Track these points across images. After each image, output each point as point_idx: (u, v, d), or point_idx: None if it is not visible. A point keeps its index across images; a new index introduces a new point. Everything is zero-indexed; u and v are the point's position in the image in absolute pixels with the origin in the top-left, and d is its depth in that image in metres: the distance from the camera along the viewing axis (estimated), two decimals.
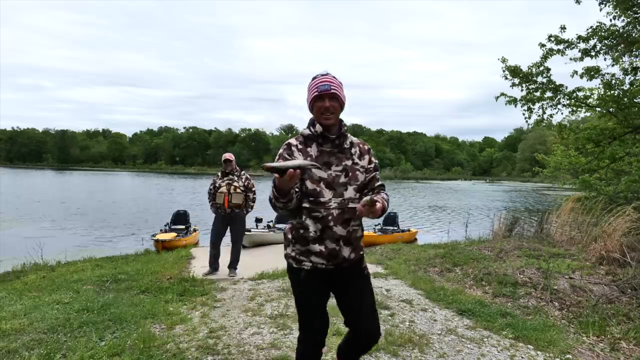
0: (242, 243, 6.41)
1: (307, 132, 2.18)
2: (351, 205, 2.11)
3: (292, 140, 2.19)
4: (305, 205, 2.10)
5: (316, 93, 2.11)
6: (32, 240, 9.21)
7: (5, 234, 12.91)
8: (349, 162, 2.16)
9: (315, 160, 2.11)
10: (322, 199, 2.09)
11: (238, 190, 6.00)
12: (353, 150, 2.21)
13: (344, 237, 2.11)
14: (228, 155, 6.24)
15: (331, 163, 2.13)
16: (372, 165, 2.24)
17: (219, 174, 6.22)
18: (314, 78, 2.18)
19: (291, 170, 1.83)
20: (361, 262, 2.26)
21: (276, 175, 1.86)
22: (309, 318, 2.24)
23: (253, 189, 6.20)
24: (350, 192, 2.12)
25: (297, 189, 2.07)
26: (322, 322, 2.28)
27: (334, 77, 2.17)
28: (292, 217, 2.18)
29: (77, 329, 3.73)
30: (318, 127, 2.15)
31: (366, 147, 2.27)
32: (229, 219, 6.09)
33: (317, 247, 2.11)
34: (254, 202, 6.26)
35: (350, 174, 2.15)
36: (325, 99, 2.10)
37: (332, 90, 2.10)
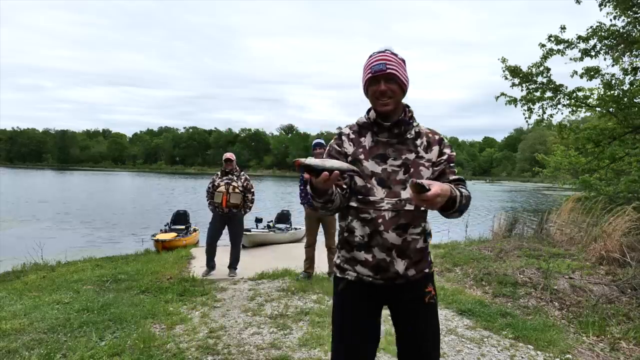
0: (241, 243, 6.40)
1: (363, 119, 1.85)
2: (409, 207, 1.71)
3: (345, 129, 1.88)
4: (353, 204, 1.76)
5: (370, 75, 1.73)
6: (32, 240, 9.21)
7: (5, 234, 12.91)
8: (412, 156, 1.75)
9: (369, 152, 1.77)
10: (372, 198, 1.73)
11: (237, 191, 6.01)
12: (419, 141, 1.78)
13: (397, 246, 1.71)
14: (229, 155, 6.25)
15: (387, 156, 1.75)
16: (444, 157, 1.78)
17: (219, 173, 6.23)
18: (370, 56, 1.78)
19: (325, 173, 1.52)
20: (424, 283, 1.78)
21: (307, 175, 1.56)
22: (341, 339, 1.81)
23: (252, 190, 6.20)
24: (409, 192, 1.63)
25: (344, 187, 1.76)
26: (360, 348, 1.78)
27: (394, 54, 1.75)
28: (340, 218, 1.87)
29: (77, 329, 3.73)
30: (372, 114, 1.80)
31: (437, 136, 1.81)
32: (227, 218, 6.09)
33: (362, 255, 1.75)
34: (252, 202, 6.26)
35: (411, 169, 1.74)
36: (381, 81, 1.72)
37: (389, 70, 1.70)
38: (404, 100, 1.83)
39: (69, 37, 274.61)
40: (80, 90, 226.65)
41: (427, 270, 1.80)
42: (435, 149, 1.79)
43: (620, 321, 4.01)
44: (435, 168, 1.78)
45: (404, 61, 1.78)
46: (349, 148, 1.81)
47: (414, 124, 1.82)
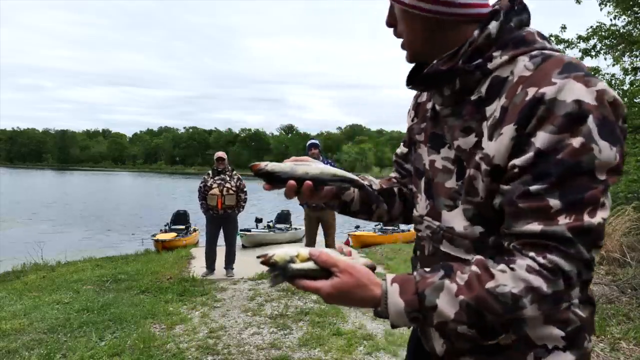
0: (235, 242, 6.39)
1: None
2: (447, 248, 0.87)
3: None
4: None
5: None
6: (32, 240, 9.22)
7: (5, 234, 12.91)
8: (470, 140, 0.82)
9: (427, 129, 0.96)
10: (415, 211, 1.02)
11: (231, 192, 5.98)
12: (491, 109, 0.78)
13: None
14: (221, 154, 6.22)
15: (444, 140, 0.89)
16: (526, 158, 0.70)
17: (210, 172, 6.19)
18: None
19: (292, 183, 0.95)
20: None
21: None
22: None
23: (244, 190, 6.19)
24: (455, 216, 0.85)
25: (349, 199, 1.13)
26: None
27: None
28: None
29: (77, 329, 3.73)
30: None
31: (547, 90, 0.69)
32: (222, 220, 6.07)
33: None
34: (245, 202, 6.25)
35: (466, 171, 0.83)
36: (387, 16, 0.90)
37: None
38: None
39: (69, 37, 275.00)
40: (80, 90, 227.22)
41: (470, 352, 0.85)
42: (508, 130, 0.73)
43: (620, 321, 4.01)
44: (495, 183, 0.76)
45: None
46: (408, 120, 1.08)
47: (491, 62, 0.78)
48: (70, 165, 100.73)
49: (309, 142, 5.75)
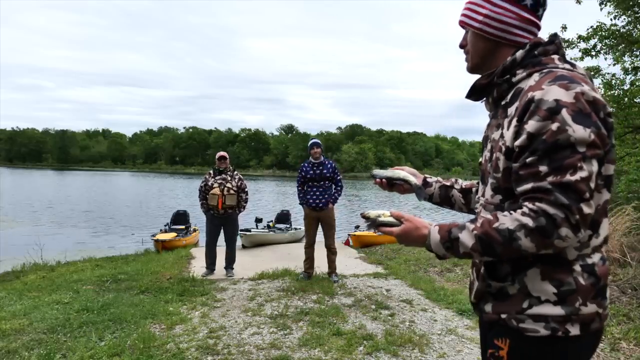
0: (236, 242, 6.38)
1: None
2: (483, 214, 1.18)
3: None
4: None
5: None
6: (32, 240, 9.21)
7: (5, 234, 12.91)
8: (497, 134, 1.17)
9: (484, 136, 1.30)
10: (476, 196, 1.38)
11: (232, 192, 5.96)
12: (510, 110, 1.13)
13: (476, 265, 1.24)
14: (223, 153, 6.21)
15: (487, 135, 1.26)
16: (521, 140, 1.05)
17: (211, 172, 6.17)
18: None
19: (378, 180, 1.51)
20: (499, 329, 1.15)
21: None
22: None
23: (245, 190, 6.17)
24: (488, 191, 1.19)
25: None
26: None
27: None
28: None
29: (77, 329, 3.73)
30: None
31: (529, 93, 1.06)
32: (222, 220, 6.06)
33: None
34: (246, 202, 6.23)
35: (493, 156, 1.18)
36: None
37: (460, 19, 1.26)
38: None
39: (68, 37, 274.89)
40: (80, 90, 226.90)
41: (503, 316, 1.12)
42: (514, 122, 1.07)
43: (620, 321, 4.01)
44: (509, 162, 1.10)
45: None
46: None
47: (515, 77, 1.15)
48: (70, 165, 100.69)
49: (311, 141, 5.77)
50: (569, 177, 0.96)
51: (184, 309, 4.42)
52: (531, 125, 1.01)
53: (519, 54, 1.15)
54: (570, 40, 8.76)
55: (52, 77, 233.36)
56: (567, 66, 1.12)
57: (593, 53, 8.64)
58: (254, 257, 7.76)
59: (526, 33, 1.18)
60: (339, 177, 5.70)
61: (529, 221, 0.98)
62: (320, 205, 5.55)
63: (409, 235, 1.17)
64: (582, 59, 8.78)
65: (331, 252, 5.67)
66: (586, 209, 0.97)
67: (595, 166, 0.99)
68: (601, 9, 8.27)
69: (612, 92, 8.79)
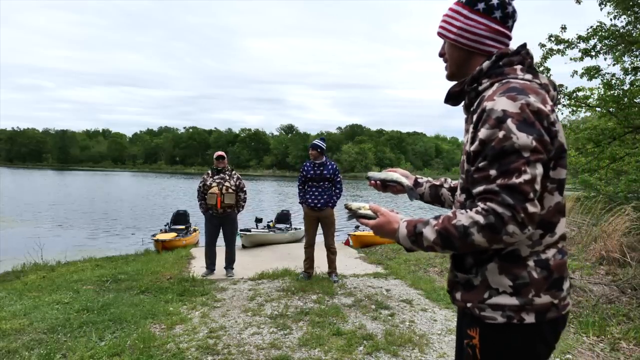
0: (235, 242, 6.38)
1: None
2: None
3: None
4: None
5: None
6: (32, 240, 9.21)
7: (5, 234, 12.91)
8: (465, 138, 1.32)
9: None
10: None
11: (230, 191, 5.95)
12: (474, 117, 1.23)
13: (452, 256, 1.37)
14: (221, 153, 6.21)
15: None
16: (475, 145, 1.17)
17: (210, 171, 6.16)
18: None
19: (372, 182, 1.65)
20: (470, 319, 1.28)
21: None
22: None
23: (244, 189, 6.16)
24: (458, 190, 1.36)
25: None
26: None
27: (461, 2, 1.33)
28: None
29: (77, 329, 3.73)
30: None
31: (484, 103, 1.18)
32: (221, 219, 6.05)
33: None
34: (244, 202, 6.22)
35: (461, 158, 1.34)
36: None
37: (438, 30, 1.37)
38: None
39: (68, 37, 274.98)
40: (80, 90, 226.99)
41: (469, 304, 1.26)
42: (471, 129, 1.22)
43: (620, 321, 4.01)
44: (469, 165, 1.23)
45: (467, 3, 1.30)
46: None
47: (481, 86, 1.26)
48: (70, 165, 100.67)
49: (312, 142, 5.80)
50: (514, 180, 1.07)
51: (184, 309, 4.42)
52: (482, 132, 1.14)
53: (485, 64, 1.26)
54: (570, 40, 8.76)
55: (52, 77, 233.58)
56: (528, 76, 1.22)
57: (593, 53, 8.63)
58: (254, 257, 7.76)
59: (497, 43, 1.28)
60: (338, 179, 5.70)
61: (480, 219, 1.09)
62: (319, 205, 5.55)
63: (382, 228, 1.29)
64: (582, 59, 8.77)
65: (331, 252, 5.67)
66: (531, 208, 1.07)
67: (539, 169, 1.10)
68: (601, 9, 8.27)
69: (612, 92, 8.78)
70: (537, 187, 1.09)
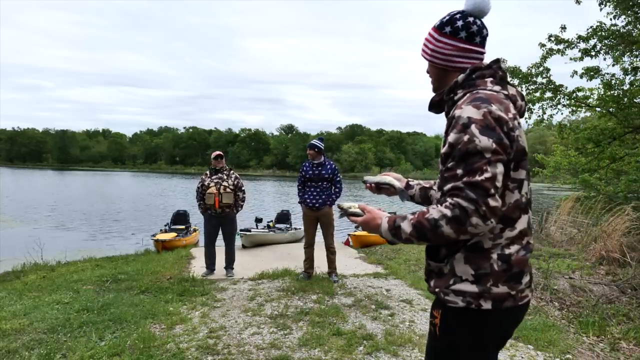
0: (235, 242, 6.37)
1: None
2: None
3: None
4: None
5: None
6: (32, 240, 9.21)
7: (5, 234, 12.91)
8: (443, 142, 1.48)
9: None
10: None
11: (228, 190, 5.94)
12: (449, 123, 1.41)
13: (426, 248, 1.52)
14: (219, 152, 6.20)
15: None
16: (445, 148, 1.35)
17: (208, 172, 6.16)
18: None
19: (368, 184, 1.80)
20: (437, 301, 1.45)
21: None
22: None
23: (242, 188, 6.16)
24: (437, 190, 1.48)
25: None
26: None
27: (434, 27, 1.51)
28: None
29: (77, 329, 3.73)
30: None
31: (456, 111, 1.33)
32: (220, 219, 6.04)
33: None
34: (243, 201, 6.21)
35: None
36: None
37: (420, 52, 1.56)
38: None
39: (68, 37, 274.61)
40: (80, 90, 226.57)
41: (437, 290, 1.42)
42: (444, 133, 1.39)
43: (620, 321, 4.01)
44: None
45: (437, 27, 1.49)
46: None
47: (456, 96, 1.43)
48: (70, 165, 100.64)
49: (310, 142, 5.80)
50: (477, 178, 1.22)
51: (184, 309, 4.42)
52: (451, 136, 1.30)
53: (460, 77, 1.43)
54: (569, 40, 8.76)
55: (52, 77, 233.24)
56: (496, 88, 1.39)
57: (593, 53, 8.63)
58: (254, 257, 7.76)
59: (467, 59, 1.45)
60: (338, 179, 5.70)
61: (448, 212, 1.23)
62: (317, 205, 5.56)
63: (368, 224, 1.45)
64: (581, 59, 8.77)
65: (330, 252, 5.67)
66: (492, 202, 1.21)
67: (499, 168, 1.24)
68: (601, 9, 8.27)
69: (611, 92, 8.78)
70: (498, 184, 1.24)
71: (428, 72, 1.57)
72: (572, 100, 9.30)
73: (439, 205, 1.27)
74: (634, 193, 8.71)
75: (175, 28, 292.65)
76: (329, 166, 5.65)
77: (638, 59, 8.67)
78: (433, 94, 1.56)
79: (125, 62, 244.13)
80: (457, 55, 1.45)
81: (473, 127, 1.25)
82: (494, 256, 1.33)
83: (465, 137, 1.25)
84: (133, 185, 43.54)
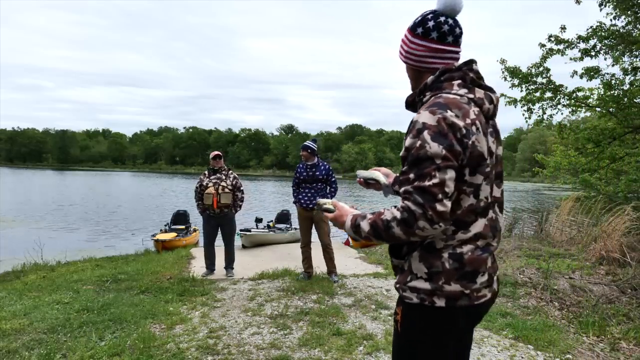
0: (234, 242, 6.36)
1: None
2: None
3: None
4: None
5: None
6: (32, 240, 9.21)
7: (5, 234, 12.91)
8: None
9: None
10: None
11: (226, 190, 5.93)
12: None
13: (390, 245, 1.57)
14: (218, 152, 6.19)
15: None
16: (402, 152, 1.39)
17: (206, 172, 6.14)
18: None
19: (359, 179, 1.80)
20: (399, 298, 1.49)
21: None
22: None
23: (241, 188, 6.14)
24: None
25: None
26: None
27: (408, 28, 1.53)
28: None
29: (77, 329, 3.73)
30: None
31: (415, 116, 1.37)
32: (219, 219, 6.03)
33: None
34: (242, 201, 6.20)
35: None
36: None
37: (398, 54, 1.58)
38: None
39: (68, 37, 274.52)
40: (80, 90, 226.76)
41: (397, 286, 1.47)
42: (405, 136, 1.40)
43: (620, 321, 4.01)
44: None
45: (410, 28, 1.50)
46: None
47: (425, 98, 1.45)
48: (70, 165, 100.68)
49: (303, 144, 5.81)
50: (425, 183, 1.25)
51: (184, 309, 4.42)
52: (407, 141, 1.33)
53: (430, 79, 1.44)
54: (569, 40, 8.76)
55: (52, 77, 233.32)
56: (462, 91, 1.38)
57: (593, 53, 8.64)
58: (254, 257, 7.76)
59: (439, 60, 1.45)
60: (333, 179, 5.70)
61: (398, 214, 1.28)
62: (311, 205, 5.56)
63: (336, 220, 1.51)
64: (581, 59, 8.78)
65: (327, 251, 5.61)
66: (439, 207, 1.24)
67: (448, 174, 1.26)
68: (601, 9, 8.28)
69: (611, 92, 8.78)
70: (447, 189, 1.25)
71: (406, 72, 1.59)
72: (572, 100, 9.31)
73: (393, 208, 1.31)
74: (634, 193, 8.71)
75: (175, 28, 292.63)
76: (322, 167, 5.65)
77: (638, 59, 8.68)
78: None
79: (125, 62, 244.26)
80: (429, 56, 1.46)
81: (425, 133, 1.28)
82: (445, 255, 1.36)
83: (418, 143, 1.29)
84: (133, 185, 43.53)
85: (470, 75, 1.42)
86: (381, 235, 1.33)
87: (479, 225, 1.38)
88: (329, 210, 1.56)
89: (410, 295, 1.41)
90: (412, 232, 1.27)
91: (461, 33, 1.47)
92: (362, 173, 1.80)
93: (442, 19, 1.44)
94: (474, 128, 1.32)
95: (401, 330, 1.46)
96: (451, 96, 1.36)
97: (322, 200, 1.64)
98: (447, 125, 1.27)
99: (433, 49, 1.45)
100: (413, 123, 1.33)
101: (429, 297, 1.37)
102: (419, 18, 1.48)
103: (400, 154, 1.38)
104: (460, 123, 1.29)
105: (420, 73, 1.50)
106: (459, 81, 1.40)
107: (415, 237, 1.30)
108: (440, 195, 1.24)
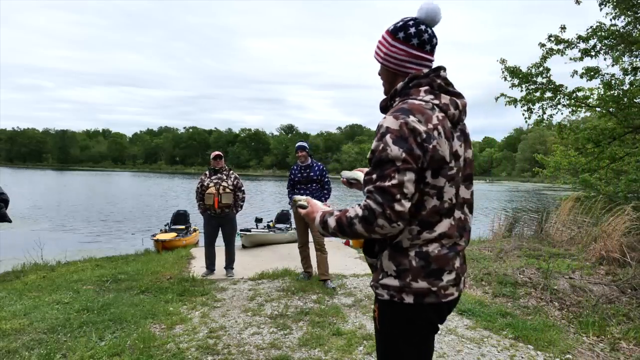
0: (235, 242, 6.36)
1: None
2: None
3: None
4: None
5: None
6: (32, 240, 9.22)
7: (5, 234, 12.91)
8: None
9: None
10: None
11: (227, 190, 5.92)
12: None
13: (364, 243, 1.66)
14: (218, 152, 6.18)
15: None
16: (369, 154, 1.45)
17: (207, 172, 6.14)
18: None
19: (343, 179, 1.90)
20: (375, 296, 1.55)
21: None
22: None
23: (242, 188, 6.14)
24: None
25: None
26: None
27: (388, 31, 1.57)
28: None
29: (77, 329, 3.73)
30: None
31: (381, 120, 1.43)
32: (220, 219, 6.03)
33: None
34: (243, 201, 6.19)
35: None
36: None
37: (373, 55, 1.62)
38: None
39: (68, 37, 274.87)
40: (80, 90, 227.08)
41: (371, 283, 1.54)
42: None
43: (620, 321, 4.01)
44: None
45: (389, 31, 1.55)
46: None
47: (395, 103, 1.50)
48: (70, 165, 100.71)
49: (297, 144, 5.80)
50: (385, 183, 1.31)
51: (184, 309, 4.42)
52: (373, 144, 1.39)
53: (399, 85, 1.50)
54: (569, 40, 8.75)
55: (52, 77, 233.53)
56: (428, 97, 1.44)
57: (592, 53, 8.63)
58: (254, 257, 7.75)
59: (416, 65, 1.51)
60: (326, 180, 5.70)
61: (360, 212, 1.35)
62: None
63: (308, 216, 1.58)
64: (581, 59, 8.77)
65: (321, 251, 5.49)
66: (397, 207, 1.30)
67: (407, 176, 1.32)
68: (601, 9, 8.28)
69: (611, 92, 8.78)
70: (406, 190, 1.31)
71: (380, 74, 1.62)
72: (572, 100, 9.30)
73: (357, 205, 1.38)
74: (634, 193, 8.71)
75: (175, 28, 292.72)
76: (316, 168, 5.65)
77: (638, 59, 8.67)
78: (384, 96, 1.63)
79: (125, 62, 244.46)
80: (408, 60, 1.51)
81: (388, 137, 1.34)
82: (412, 254, 1.42)
83: (381, 146, 1.35)
84: (133, 185, 43.52)
85: (437, 82, 1.47)
86: (345, 231, 1.40)
87: (443, 226, 1.44)
88: (302, 207, 1.63)
89: (382, 292, 1.47)
90: (372, 230, 1.33)
91: (437, 44, 1.55)
92: (345, 173, 1.88)
93: (423, 27, 1.51)
94: (435, 133, 1.37)
95: (379, 327, 1.53)
96: (417, 102, 1.42)
97: (297, 197, 1.71)
98: (409, 130, 1.33)
99: (412, 54, 1.50)
100: (378, 127, 1.40)
101: (398, 294, 1.43)
102: (400, 23, 1.53)
103: (368, 155, 1.43)
104: (422, 128, 1.35)
105: (396, 76, 1.55)
106: (427, 87, 1.46)
107: (376, 235, 1.35)
108: (398, 196, 1.30)
